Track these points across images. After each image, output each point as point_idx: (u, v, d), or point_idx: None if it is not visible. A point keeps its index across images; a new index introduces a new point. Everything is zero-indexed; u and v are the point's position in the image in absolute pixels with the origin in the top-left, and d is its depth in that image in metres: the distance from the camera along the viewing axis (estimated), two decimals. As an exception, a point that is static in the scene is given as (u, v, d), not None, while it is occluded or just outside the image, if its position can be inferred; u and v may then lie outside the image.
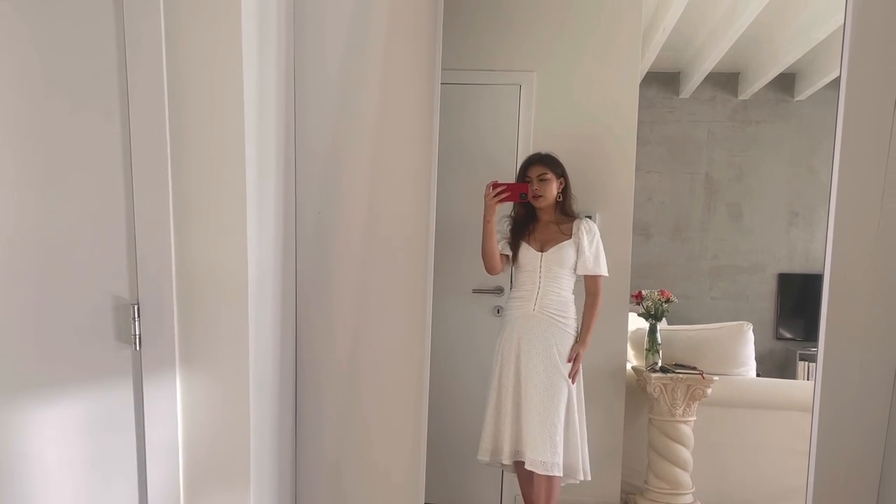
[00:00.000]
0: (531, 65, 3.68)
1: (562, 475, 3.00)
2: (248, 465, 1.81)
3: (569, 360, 3.01)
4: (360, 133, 2.19)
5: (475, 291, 3.72)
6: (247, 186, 1.73)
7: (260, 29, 1.86)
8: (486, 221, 3.02)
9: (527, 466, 2.96)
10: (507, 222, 3.18)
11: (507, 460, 3.04)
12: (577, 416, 3.05)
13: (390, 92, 2.18)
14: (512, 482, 3.64)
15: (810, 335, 5.87)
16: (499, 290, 3.70)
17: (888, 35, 1.72)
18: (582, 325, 3.10)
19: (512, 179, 3.59)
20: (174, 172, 1.74)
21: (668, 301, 3.67)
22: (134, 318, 1.78)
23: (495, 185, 2.99)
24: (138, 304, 1.78)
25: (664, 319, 5.01)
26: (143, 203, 1.74)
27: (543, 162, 3.13)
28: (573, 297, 3.12)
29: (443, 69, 3.66)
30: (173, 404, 1.80)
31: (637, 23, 3.69)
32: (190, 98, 1.73)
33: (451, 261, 3.71)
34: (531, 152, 3.61)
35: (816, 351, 1.84)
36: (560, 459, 2.95)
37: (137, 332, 1.78)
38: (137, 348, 1.79)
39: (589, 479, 3.11)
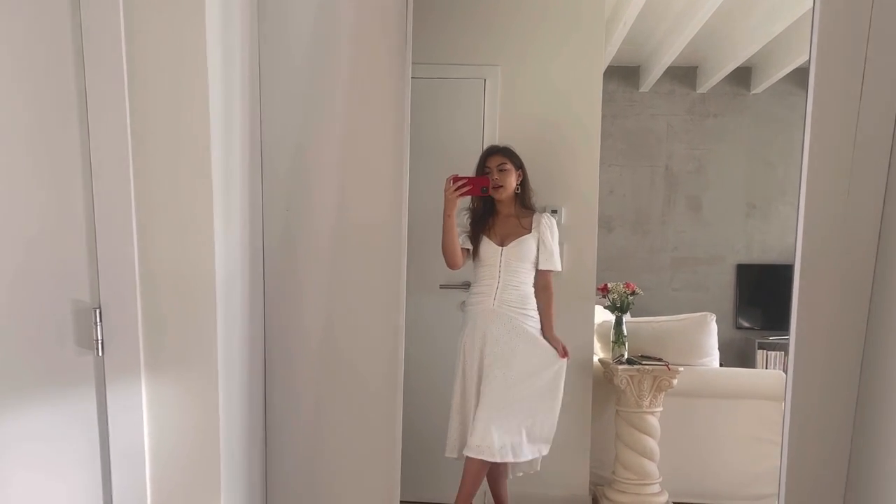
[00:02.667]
0: (496, 59, 3.67)
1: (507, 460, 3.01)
2: (219, 472, 1.75)
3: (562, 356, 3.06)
4: (328, 129, 2.14)
5: (442, 287, 3.70)
6: (213, 185, 1.67)
7: (224, 25, 1.80)
8: (447, 216, 3.00)
9: (484, 456, 2.94)
10: (467, 215, 3.17)
11: (485, 456, 2.99)
12: (548, 402, 3.06)
13: (359, 87, 2.14)
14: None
15: (768, 324, 6.00)
16: (466, 285, 3.67)
17: (855, 25, 1.74)
18: (543, 320, 3.10)
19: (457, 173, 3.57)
20: (136, 173, 1.67)
21: (633, 293, 3.70)
22: (96, 323, 1.70)
23: (456, 179, 2.96)
24: (100, 308, 1.70)
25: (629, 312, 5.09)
26: (103, 204, 1.67)
27: (502, 153, 3.14)
28: (533, 290, 3.12)
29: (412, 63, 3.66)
30: (139, 410, 1.73)
31: (600, 16, 3.71)
32: (151, 96, 1.66)
33: (418, 256, 3.67)
34: (497, 146, 3.62)
35: (775, 340, 1.87)
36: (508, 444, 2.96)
37: (99, 337, 1.70)
38: (100, 353, 1.72)
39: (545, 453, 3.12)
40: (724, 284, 6.16)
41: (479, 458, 2.95)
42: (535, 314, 3.11)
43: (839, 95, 1.75)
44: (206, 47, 1.63)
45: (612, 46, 5.13)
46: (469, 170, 3.59)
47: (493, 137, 3.64)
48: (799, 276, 1.74)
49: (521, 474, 3.21)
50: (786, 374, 1.87)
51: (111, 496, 1.76)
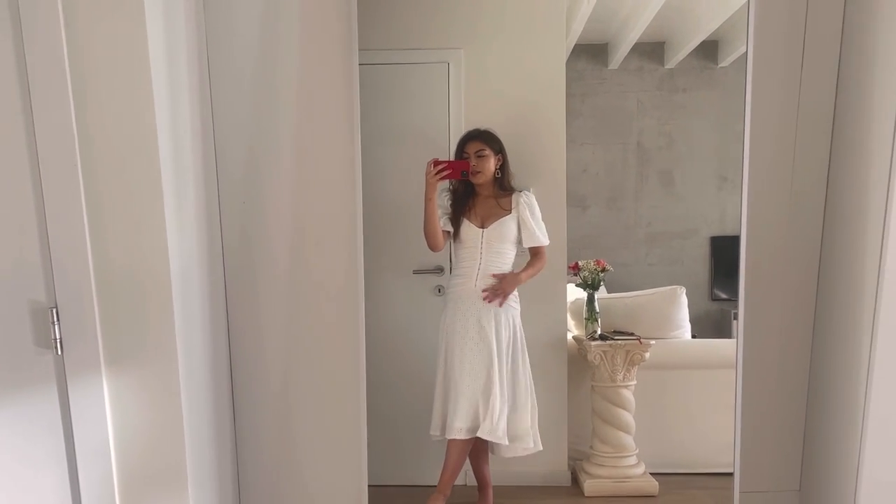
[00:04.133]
0: (458, 42, 3.68)
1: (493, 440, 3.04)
2: (185, 466, 1.77)
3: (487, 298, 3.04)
4: (280, 124, 2.14)
5: (416, 272, 3.72)
6: (163, 182, 1.68)
7: (167, 21, 1.79)
8: (428, 199, 3.02)
9: (466, 435, 2.99)
10: (448, 196, 3.18)
11: (470, 435, 3.03)
12: (524, 388, 3.11)
13: (308, 78, 2.13)
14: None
15: (743, 295, 6.06)
16: (439, 270, 3.71)
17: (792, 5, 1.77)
18: (520, 271, 3.14)
19: (446, 157, 3.59)
20: (85, 172, 1.67)
21: (603, 270, 3.75)
22: (53, 322, 1.71)
23: (437, 163, 2.98)
24: (56, 307, 1.71)
25: (603, 288, 5.14)
26: (53, 204, 1.67)
27: (481, 138, 3.15)
28: (513, 271, 3.16)
29: (371, 49, 3.66)
30: (101, 408, 1.75)
31: (561, -4, 3.72)
32: (96, 97, 1.66)
33: (391, 242, 3.71)
34: (463, 129, 3.62)
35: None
36: (490, 424, 3.00)
37: (58, 336, 1.72)
38: (59, 352, 1.73)
39: (540, 448, 3.17)
40: (699, 257, 6.23)
41: (462, 438, 2.98)
42: (516, 297, 3.14)
43: (779, 68, 1.78)
44: (148, 44, 1.63)
45: (578, 24, 5.13)
46: (437, 153, 3.61)
47: (458, 120, 3.66)
48: (745, 247, 1.78)
49: (523, 454, 3.20)
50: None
51: (79, 492, 1.78)
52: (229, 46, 2.11)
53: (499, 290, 3.07)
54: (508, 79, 3.66)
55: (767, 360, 1.85)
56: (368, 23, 3.63)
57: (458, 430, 2.99)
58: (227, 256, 2.17)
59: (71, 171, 1.66)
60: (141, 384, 1.76)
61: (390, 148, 3.70)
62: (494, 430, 3.00)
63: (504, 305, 3.09)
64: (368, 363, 3.65)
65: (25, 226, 1.69)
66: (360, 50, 3.62)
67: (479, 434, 3.01)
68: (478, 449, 3.25)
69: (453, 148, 3.64)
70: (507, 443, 3.06)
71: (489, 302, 3.05)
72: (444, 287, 3.70)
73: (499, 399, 3.01)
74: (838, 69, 1.82)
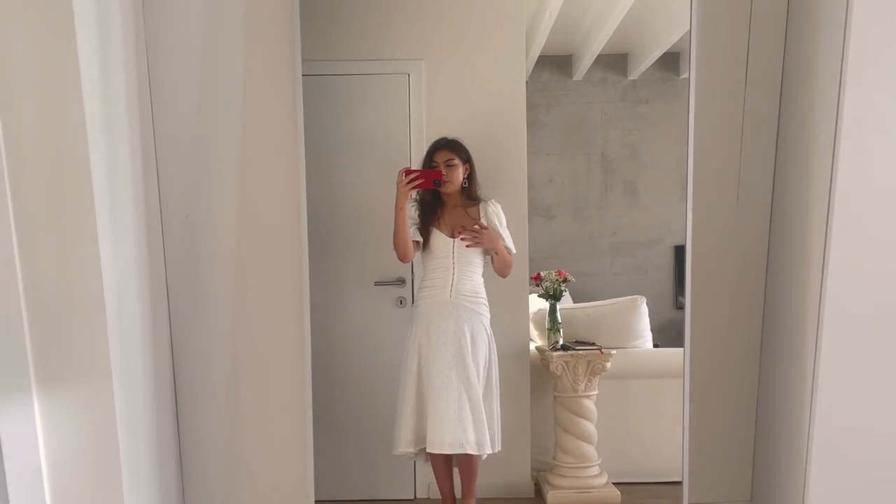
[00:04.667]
0: (418, 53, 3.68)
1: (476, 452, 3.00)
2: (120, 483, 1.71)
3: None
4: (224, 133, 2.11)
5: (377, 284, 3.69)
6: (95, 195, 1.63)
7: (101, 28, 1.74)
8: (399, 209, 2.98)
9: (449, 451, 2.93)
10: (415, 207, 3.15)
11: (447, 450, 2.96)
12: (496, 395, 3.08)
13: (252, 88, 2.10)
14: (425, 471, 3.65)
15: (707, 303, 6.12)
16: (400, 281, 3.69)
17: (735, 9, 1.78)
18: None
19: (405, 166, 3.58)
20: (13, 184, 1.61)
21: (565, 281, 3.75)
22: (-19, 341, 1.65)
23: (408, 172, 2.95)
24: (-16, 327, 1.65)
25: (569, 297, 5.15)
26: (-21, 221, 1.61)
27: (449, 147, 3.14)
28: (482, 281, 3.14)
29: (332, 60, 3.64)
30: (32, 428, 1.68)
31: (520, 7, 3.74)
32: (25, 111, 1.61)
33: (352, 253, 3.68)
34: (424, 140, 3.62)
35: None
36: (474, 437, 2.96)
37: (-13, 356, 1.66)
38: (-12, 372, 1.67)
39: (498, 449, 3.11)
40: (663, 266, 6.28)
41: (450, 453, 2.93)
42: (486, 307, 3.13)
43: (724, 77, 1.80)
44: (79, 54, 1.58)
45: (541, 36, 5.17)
46: (398, 163, 3.60)
47: (419, 131, 3.66)
48: (691, 259, 1.78)
49: (484, 457, 3.14)
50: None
51: (11, 516, 1.72)
52: (171, 57, 2.07)
53: (480, 237, 3.03)
54: (469, 90, 3.67)
55: (716, 370, 1.85)
56: (329, 33, 3.62)
57: (449, 445, 2.91)
58: (169, 271, 2.12)
59: (-1, 189, 1.61)
60: (74, 405, 1.70)
61: (352, 158, 3.68)
62: (488, 442, 2.98)
63: (477, 314, 3.06)
64: (328, 376, 3.63)
65: (-50, 242, 1.63)
66: (320, 60, 3.63)
67: (467, 450, 2.95)
68: (447, 463, 3.18)
69: (415, 158, 3.63)
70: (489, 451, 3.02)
71: (468, 241, 3.01)
72: (405, 298, 3.68)
73: (483, 410, 2.98)
74: (781, 81, 1.85)
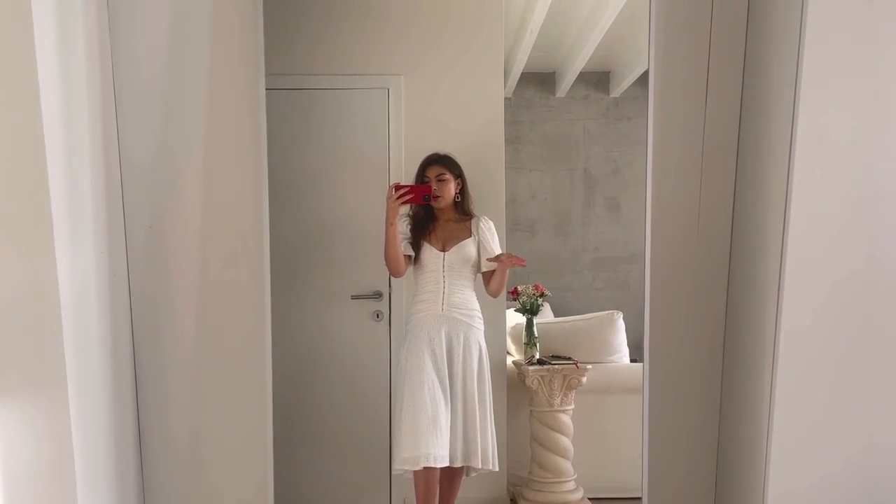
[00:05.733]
0: (398, 68, 3.72)
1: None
2: (75, 495, 1.70)
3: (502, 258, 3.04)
4: (188, 142, 2.11)
5: (354, 297, 3.70)
6: (52, 202, 1.62)
7: (62, 34, 1.75)
8: (389, 224, 2.97)
9: (436, 464, 2.89)
10: (407, 222, 3.15)
11: (446, 463, 2.93)
12: (487, 408, 3.08)
13: (216, 98, 2.11)
14: (401, 485, 3.64)
15: (688, 319, 6.16)
16: (378, 295, 3.70)
17: (695, 25, 1.82)
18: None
19: (384, 181, 3.60)
20: (-31, 195, 1.62)
21: (542, 295, 3.77)
22: (-64, 352, 1.65)
23: (398, 187, 2.95)
24: (-61, 336, 1.65)
25: (551, 312, 5.17)
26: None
27: (441, 162, 3.15)
28: (474, 294, 3.15)
29: (312, 74, 3.67)
30: (-14, 439, 1.69)
31: (499, 24, 3.79)
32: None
33: (328, 266, 3.69)
34: (403, 154, 3.66)
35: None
36: (461, 451, 2.97)
37: (-60, 366, 1.65)
38: (-62, 384, 1.66)
39: (494, 468, 3.09)
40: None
41: (438, 466, 2.89)
42: (479, 318, 3.13)
43: (683, 93, 1.83)
44: (36, 58, 1.56)
45: (523, 54, 5.22)
46: (378, 178, 3.63)
47: (399, 146, 3.69)
48: (650, 279, 1.80)
49: (474, 475, 3.15)
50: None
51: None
52: (136, 66, 2.07)
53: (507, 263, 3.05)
54: (448, 106, 3.70)
55: (676, 385, 1.87)
56: (313, 48, 3.66)
57: (442, 458, 2.88)
58: (132, 281, 2.12)
59: (-45, 195, 1.61)
60: (29, 416, 1.68)
61: (331, 172, 3.70)
62: (486, 456, 2.99)
63: (471, 327, 3.07)
64: (303, 389, 3.63)
65: None
66: (300, 74, 3.67)
67: (470, 463, 2.96)
68: (449, 476, 3.14)
69: (394, 172, 3.66)
70: (490, 467, 3.03)
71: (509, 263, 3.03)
72: (382, 312, 3.68)
73: (479, 423, 2.98)
74: (741, 96, 1.88)
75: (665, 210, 1.83)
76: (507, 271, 3.14)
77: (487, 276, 3.17)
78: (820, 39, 1.64)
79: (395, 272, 3.08)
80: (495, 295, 3.19)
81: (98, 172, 1.94)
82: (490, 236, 3.15)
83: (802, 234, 1.66)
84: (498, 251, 3.15)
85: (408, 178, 3.50)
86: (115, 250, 2.03)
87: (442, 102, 3.71)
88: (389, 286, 3.67)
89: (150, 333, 2.15)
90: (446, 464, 2.93)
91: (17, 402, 1.69)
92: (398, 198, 2.92)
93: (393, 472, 3.03)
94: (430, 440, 2.88)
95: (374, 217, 3.28)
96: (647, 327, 1.83)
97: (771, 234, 1.76)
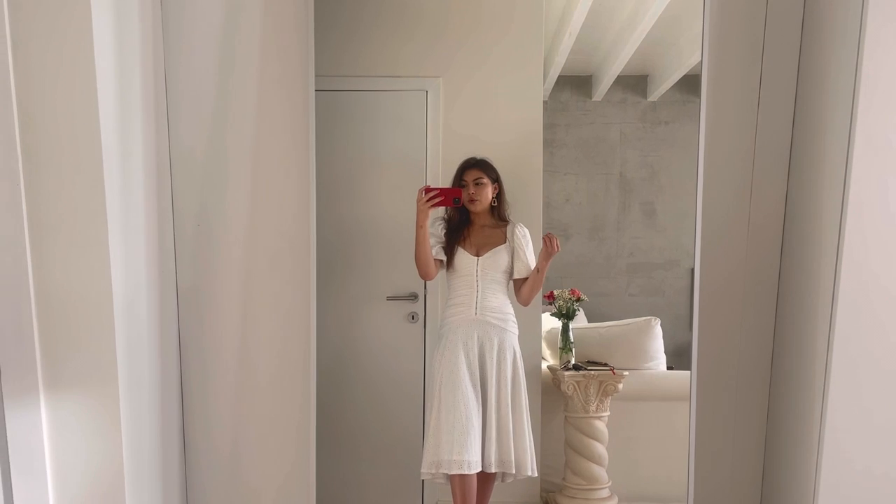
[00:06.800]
0: (437, 70, 3.71)
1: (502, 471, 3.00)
2: (123, 489, 1.73)
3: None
4: (237, 144, 2.13)
5: (389, 298, 3.70)
6: (106, 199, 1.66)
7: (119, 38, 1.79)
8: (419, 226, 2.97)
9: (468, 470, 2.87)
10: (442, 225, 3.15)
11: (479, 469, 2.91)
12: (525, 413, 3.05)
13: (266, 100, 2.13)
14: (433, 491, 3.64)
15: (724, 327, 6.06)
16: (413, 297, 3.70)
17: (749, 27, 1.78)
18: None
19: (421, 183, 3.60)
20: (28, 189, 1.65)
21: (578, 300, 3.73)
22: (-8, 345, 1.69)
23: (428, 190, 2.94)
24: (-5, 329, 1.69)
25: (584, 317, 5.13)
26: (-6, 225, 1.65)
27: (479, 166, 3.13)
28: (507, 301, 3.13)
29: (350, 76, 3.69)
30: (39, 433, 1.71)
31: (539, 27, 3.76)
32: (41, 113, 1.65)
33: (365, 268, 3.70)
34: (440, 157, 3.65)
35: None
36: (495, 456, 2.96)
37: (-4, 359, 1.69)
38: (-4, 375, 1.70)
39: (533, 474, 3.05)
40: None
41: (472, 473, 2.88)
42: (514, 323, 3.11)
43: (735, 95, 1.79)
44: (95, 62, 1.62)
45: (561, 57, 5.19)
46: (414, 180, 3.63)
47: (436, 149, 3.68)
48: (699, 285, 1.77)
49: (510, 480, 3.12)
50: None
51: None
52: (188, 66, 2.10)
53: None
54: (486, 109, 3.69)
55: (723, 395, 1.83)
56: (348, 49, 3.67)
57: (475, 464, 2.87)
58: (180, 279, 2.15)
59: (13, 191, 1.65)
60: (80, 410, 1.72)
61: (367, 173, 3.71)
62: (517, 461, 2.97)
63: (505, 331, 3.05)
64: (339, 390, 3.64)
65: (-33, 247, 1.67)
66: (338, 76, 3.68)
67: (504, 469, 2.95)
68: (483, 480, 3.11)
69: (430, 174, 3.66)
70: (527, 473, 3.00)
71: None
72: (417, 314, 3.68)
73: (514, 428, 2.97)
74: (795, 104, 1.84)
75: (715, 215, 1.80)
76: (542, 281, 3.10)
77: (518, 284, 3.15)
78: (880, 40, 1.59)
79: (424, 275, 3.08)
80: (525, 303, 3.17)
81: (150, 171, 1.98)
82: (525, 244, 3.12)
83: (859, 239, 1.62)
84: (532, 259, 3.12)
85: (445, 180, 3.50)
86: (165, 248, 2.07)
87: (480, 105, 3.69)
88: (425, 288, 3.66)
89: (196, 330, 2.17)
90: (479, 469, 2.91)
91: (69, 396, 1.72)
92: (428, 200, 2.92)
93: (422, 477, 3.00)
94: (463, 446, 2.86)
95: (410, 218, 3.27)
96: (696, 334, 1.80)
97: (825, 240, 1.71)
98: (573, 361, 3.66)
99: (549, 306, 3.80)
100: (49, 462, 1.74)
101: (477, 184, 3.09)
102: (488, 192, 3.10)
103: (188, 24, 2.07)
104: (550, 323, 3.97)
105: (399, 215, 3.63)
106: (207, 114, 2.10)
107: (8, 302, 1.68)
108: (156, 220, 2.01)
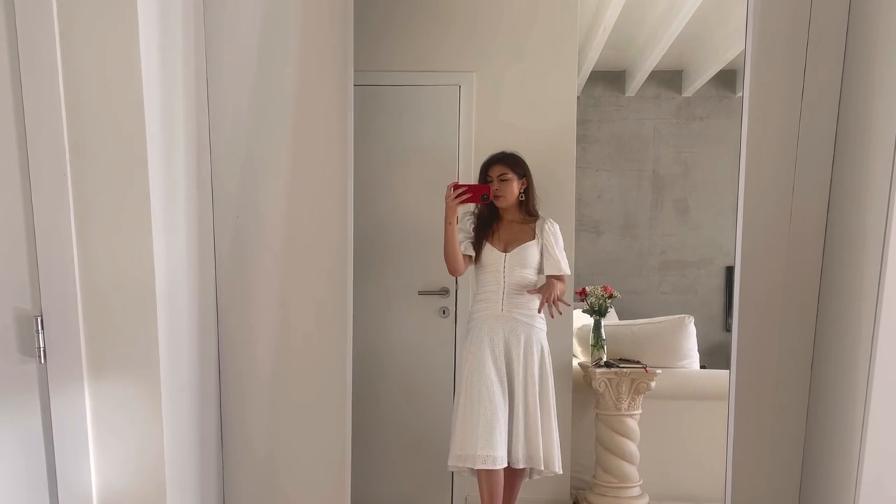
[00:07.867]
0: (471, 65, 3.70)
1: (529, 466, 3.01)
2: (164, 483, 1.77)
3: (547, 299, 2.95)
4: (277, 136, 2.15)
5: (421, 293, 3.71)
6: (150, 189, 1.69)
7: (163, 30, 1.82)
8: (448, 223, 2.97)
9: (493, 466, 2.89)
10: (471, 220, 3.14)
11: (504, 464, 2.93)
12: (552, 409, 3.05)
13: (305, 94, 2.14)
14: (463, 484, 3.64)
15: (758, 326, 5.97)
16: (444, 292, 3.70)
17: (792, 27, 1.75)
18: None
19: (453, 178, 3.59)
20: (74, 178, 1.69)
21: (611, 297, 3.70)
22: (37, 331, 1.72)
23: (456, 187, 2.93)
24: (41, 315, 1.72)
25: (615, 315, 5.08)
26: (42, 211, 1.69)
27: (504, 161, 3.10)
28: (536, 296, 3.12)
29: (383, 71, 3.70)
30: (83, 419, 1.75)
31: (574, 22, 3.73)
32: (87, 104, 1.68)
33: (396, 261, 3.71)
34: (473, 152, 3.64)
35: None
36: (523, 452, 2.97)
37: (41, 345, 1.72)
38: (42, 361, 1.73)
39: (558, 471, 3.07)
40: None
41: (499, 468, 2.90)
42: (543, 319, 3.09)
43: (778, 93, 1.76)
44: (141, 56, 1.65)
45: (594, 52, 5.14)
46: (447, 175, 3.62)
47: (468, 144, 3.67)
48: (739, 282, 1.74)
49: (537, 477, 3.12)
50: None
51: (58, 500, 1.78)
52: (229, 59, 2.12)
53: (548, 296, 2.96)
54: (520, 104, 3.67)
55: (762, 396, 1.80)
56: (381, 43, 3.68)
57: (500, 459, 2.88)
58: (219, 269, 2.18)
59: (60, 180, 1.68)
60: (122, 396, 1.75)
61: (399, 168, 3.72)
62: (544, 458, 2.97)
63: (532, 327, 3.04)
64: (371, 384, 3.65)
65: (14, 233, 1.70)
66: (371, 71, 3.69)
67: (532, 465, 2.96)
68: (511, 476, 3.12)
69: (462, 170, 3.65)
70: (554, 469, 3.01)
71: (551, 307, 2.96)
72: (448, 309, 3.69)
73: (541, 424, 2.97)
74: (839, 102, 1.80)
75: (757, 213, 1.76)
76: (563, 286, 3.07)
77: (550, 279, 3.11)
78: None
79: (453, 271, 3.07)
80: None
81: (191, 162, 2.01)
82: (554, 240, 3.09)
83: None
84: (561, 256, 3.09)
85: (477, 175, 3.49)
86: (205, 239, 2.10)
87: (513, 100, 3.67)
88: (456, 283, 3.66)
89: (234, 320, 2.20)
90: (504, 465, 2.91)
91: (112, 383, 1.75)
92: (456, 197, 2.91)
93: (448, 469, 3.02)
94: (489, 442, 2.87)
95: (441, 213, 3.28)
96: (736, 334, 1.77)
97: (869, 240, 1.67)
98: (605, 358, 3.63)
99: (581, 303, 3.78)
100: (92, 448, 1.78)
101: (501, 179, 3.06)
102: (514, 188, 3.07)
103: (229, 18, 2.09)
104: (582, 320, 3.95)
105: (431, 210, 3.62)
106: (247, 107, 2.12)
107: (55, 290, 1.72)
108: (196, 210, 2.04)
